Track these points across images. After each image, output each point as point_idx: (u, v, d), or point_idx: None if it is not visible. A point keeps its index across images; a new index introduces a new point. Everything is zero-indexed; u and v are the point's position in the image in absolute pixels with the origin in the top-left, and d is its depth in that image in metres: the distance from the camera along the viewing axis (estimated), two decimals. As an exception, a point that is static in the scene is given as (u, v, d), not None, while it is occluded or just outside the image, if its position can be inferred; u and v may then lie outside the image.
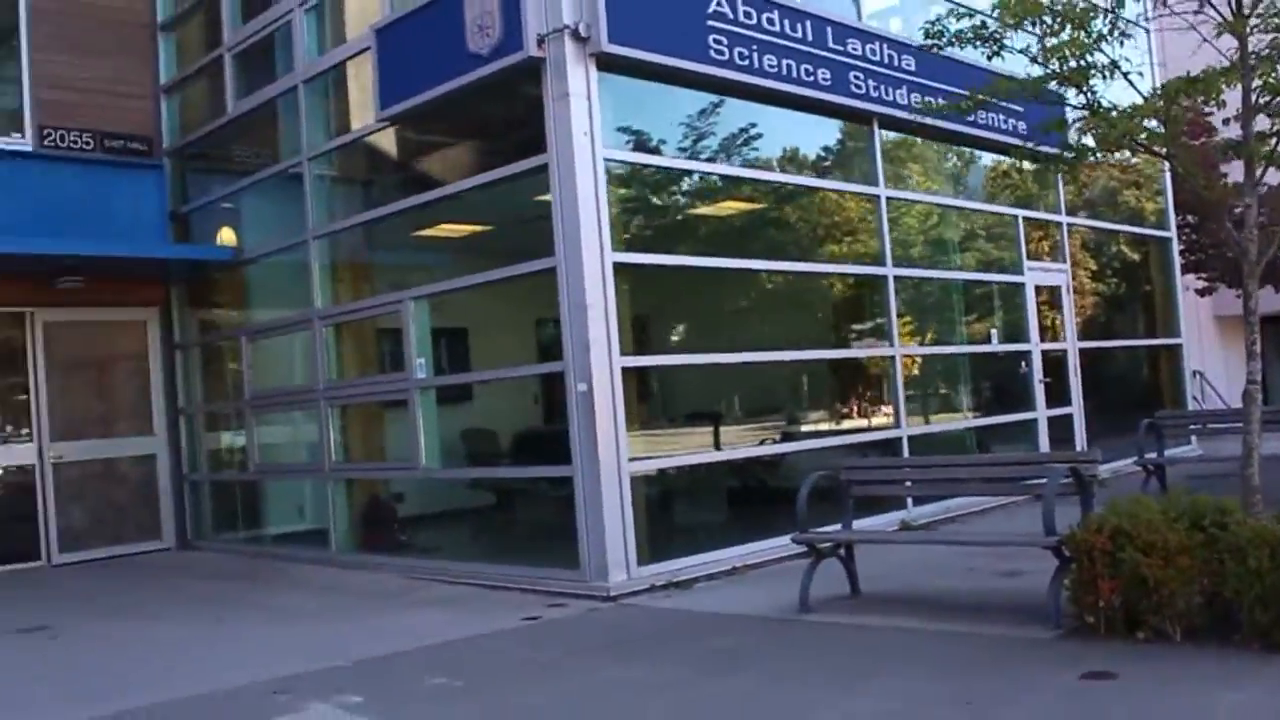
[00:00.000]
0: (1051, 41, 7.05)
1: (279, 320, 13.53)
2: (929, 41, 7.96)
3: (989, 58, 7.65)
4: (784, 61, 10.79)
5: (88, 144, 13.89)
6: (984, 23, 7.55)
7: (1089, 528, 6.33)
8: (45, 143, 13.60)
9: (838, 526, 8.34)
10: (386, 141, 11.73)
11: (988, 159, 14.22)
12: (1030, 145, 8.75)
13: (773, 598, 8.30)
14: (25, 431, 13.57)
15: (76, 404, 14.05)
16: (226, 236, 14.29)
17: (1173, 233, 17.84)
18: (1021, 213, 14.30)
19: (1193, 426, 14.68)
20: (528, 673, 6.87)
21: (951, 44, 7.68)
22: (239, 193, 14.04)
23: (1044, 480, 7.14)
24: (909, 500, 11.26)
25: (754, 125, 11.41)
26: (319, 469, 12.32)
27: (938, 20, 7.79)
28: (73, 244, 12.70)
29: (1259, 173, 6.77)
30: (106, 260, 13.13)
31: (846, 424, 12.49)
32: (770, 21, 10.69)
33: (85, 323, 14.14)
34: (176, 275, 14.66)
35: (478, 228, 12.26)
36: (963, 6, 12.35)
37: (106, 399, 14.54)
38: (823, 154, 12.31)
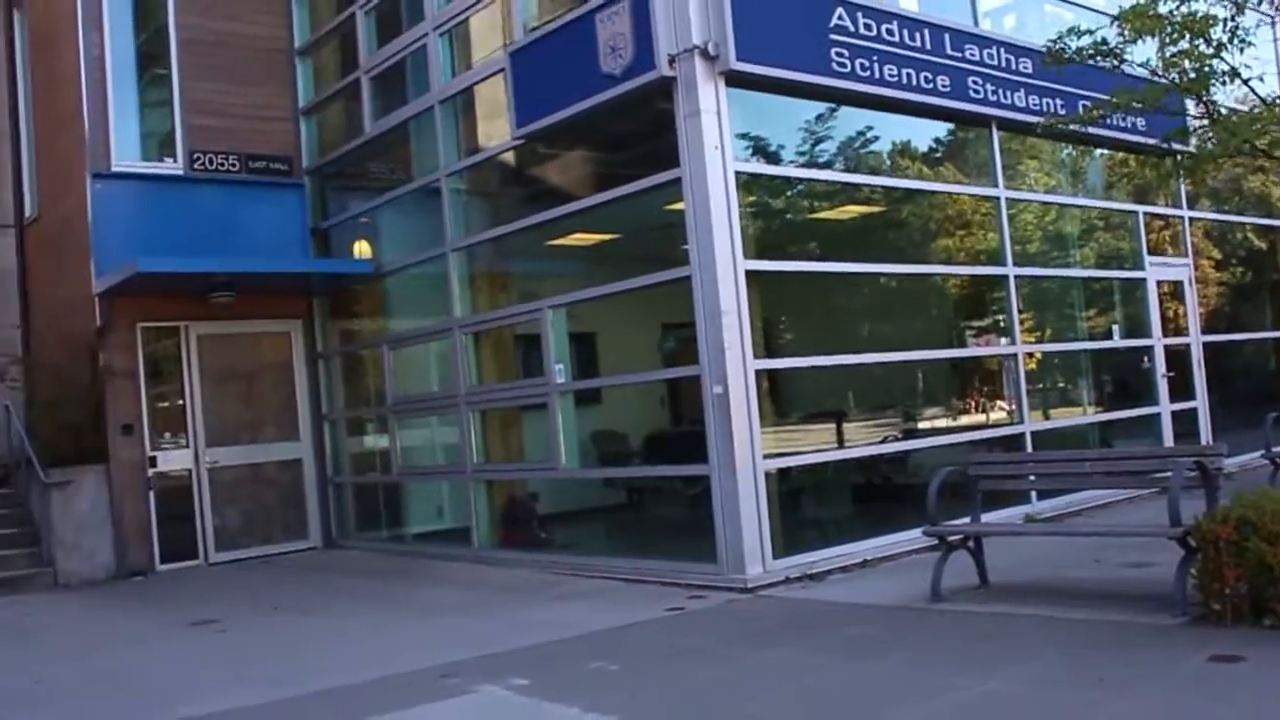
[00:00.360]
0: (1171, 50, 7.30)
1: (419, 329, 14.18)
2: (1052, 62, 8.22)
3: (1110, 70, 7.93)
4: (903, 70, 11.10)
5: (234, 166, 14.71)
6: (1104, 39, 7.82)
7: (1215, 518, 6.61)
8: (195, 166, 14.47)
9: (966, 520, 8.67)
10: (520, 157, 12.28)
11: (1105, 150, 14.30)
12: (1153, 144, 8.94)
13: (904, 588, 8.66)
14: (182, 438, 14.41)
15: (228, 411, 14.86)
16: (363, 250, 15.00)
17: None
18: (1142, 208, 14.41)
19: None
20: (681, 657, 7.32)
21: (1073, 61, 7.96)
22: (376, 208, 14.76)
23: (1169, 474, 7.40)
24: (1033, 495, 11.50)
25: (874, 130, 11.78)
26: (461, 470, 12.92)
27: (1059, 39, 8.07)
28: (231, 262, 13.49)
29: None
30: (255, 276, 13.92)
31: (968, 420, 12.74)
32: (890, 32, 11.02)
33: (235, 335, 14.94)
34: (318, 288, 15.42)
35: (607, 236, 12.74)
36: (1081, 5, 12.69)
37: (255, 407, 15.31)
38: (941, 156, 12.58)
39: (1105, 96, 9.61)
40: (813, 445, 11.26)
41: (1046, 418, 13.16)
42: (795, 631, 7.71)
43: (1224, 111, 7.16)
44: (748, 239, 9.97)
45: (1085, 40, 8.11)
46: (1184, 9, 7.28)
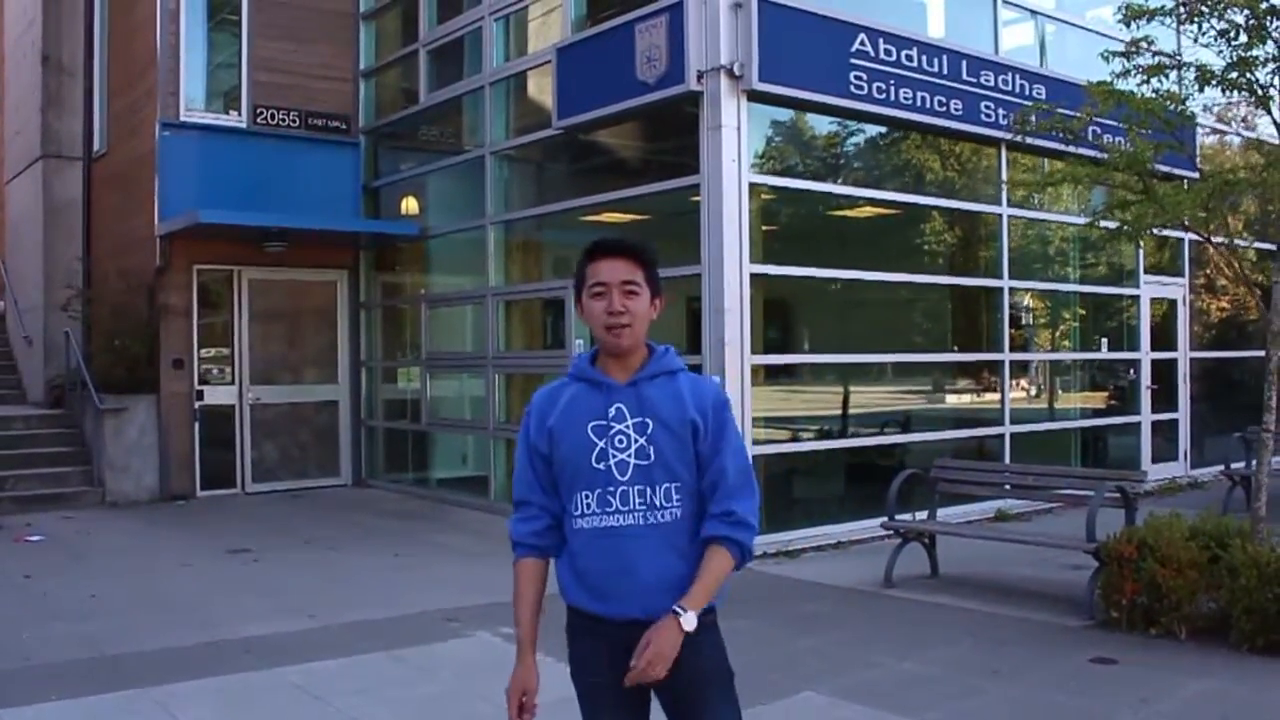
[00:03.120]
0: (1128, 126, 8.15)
1: (456, 292, 15.22)
2: (1018, 131, 9.13)
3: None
4: (919, 94, 11.91)
5: (294, 122, 15.72)
6: (1062, 116, 8.71)
7: (1121, 538, 7.62)
8: (257, 120, 15.46)
9: (925, 514, 9.68)
10: (559, 144, 13.15)
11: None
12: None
13: (865, 572, 9.69)
14: (229, 375, 15.52)
15: (273, 352, 15.97)
16: (411, 208, 15.97)
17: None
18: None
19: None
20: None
21: (1034, 132, 8.85)
22: (425, 174, 15.76)
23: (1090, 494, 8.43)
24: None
25: (887, 148, 12.64)
26: (484, 426, 13.98)
27: (1024, 112, 8.97)
28: (286, 218, 14.58)
29: None
30: (307, 230, 14.93)
31: (956, 419, 13.66)
32: (909, 58, 11.83)
33: (284, 281, 16.02)
34: (366, 244, 16.46)
35: (640, 217, 13.59)
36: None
37: (298, 349, 16.40)
38: (950, 175, 13.39)
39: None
40: (805, 430, 12.19)
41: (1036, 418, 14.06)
42: (757, 604, 8.67)
43: (1160, 190, 7.95)
44: (756, 244, 10.91)
45: (1046, 115, 8.96)
46: (1149, 86, 8.07)
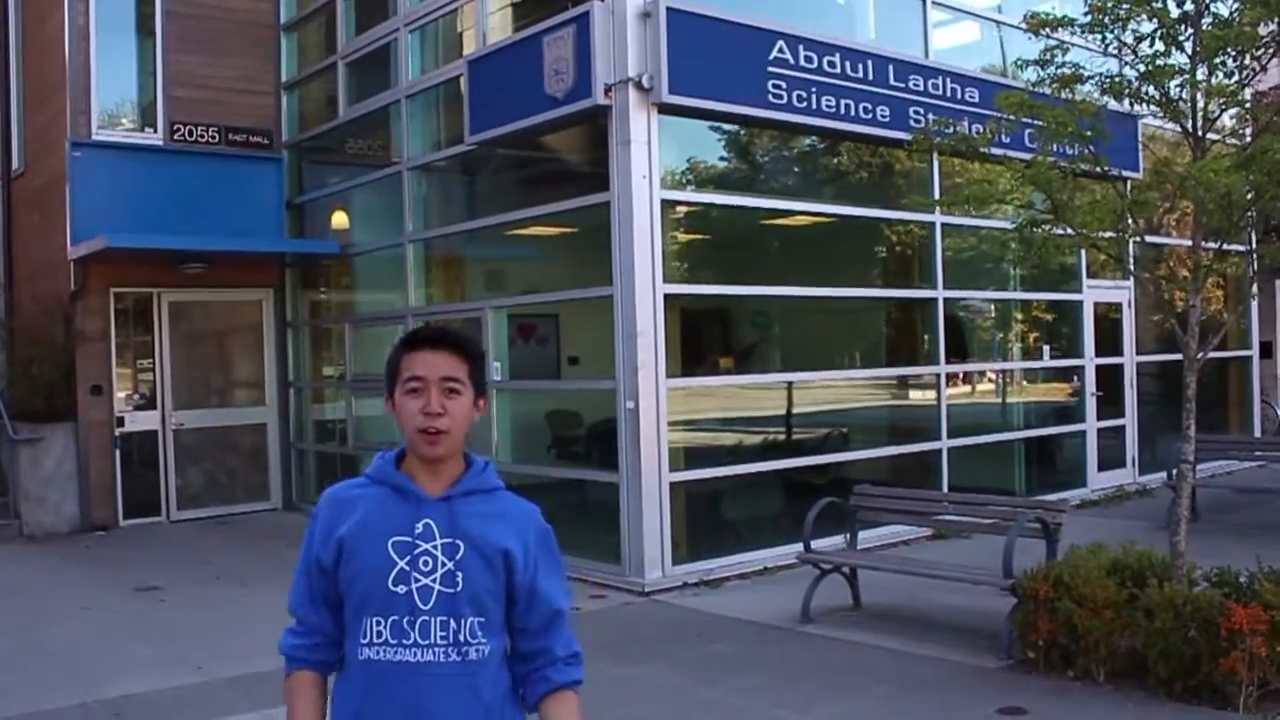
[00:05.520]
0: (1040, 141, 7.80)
1: (377, 311, 14.78)
2: (916, 150, 8.76)
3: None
4: (843, 101, 11.55)
5: (213, 138, 15.25)
6: (964, 135, 8.38)
7: (1036, 575, 7.24)
8: (175, 137, 14.99)
9: (842, 541, 9.33)
10: (476, 159, 12.72)
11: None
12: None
13: (786, 602, 9.26)
14: (151, 400, 15.05)
15: (197, 375, 15.48)
16: (341, 222, 15.52)
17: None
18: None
19: (1230, 449, 15.12)
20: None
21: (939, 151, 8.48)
22: (348, 189, 15.29)
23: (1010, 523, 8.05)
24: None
25: (811, 158, 12.26)
26: (407, 450, 13.49)
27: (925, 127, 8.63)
28: (200, 240, 14.14)
29: (1202, 278, 7.51)
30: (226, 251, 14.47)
31: (891, 434, 13.31)
32: (831, 64, 11.45)
33: (207, 302, 15.54)
34: (291, 261, 15.99)
35: (567, 230, 13.13)
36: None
37: (224, 371, 15.96)
38: (880, 183, 13.02)
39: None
40: (729, 453, 11.79)
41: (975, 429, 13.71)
42: (663, 645, 8.33)
43: (1068, 209, 7.59)
44: (670, 263, 10.51)
45: (949, 131, 8.61)
46: (1066, 92, 7.70)
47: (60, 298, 14.67)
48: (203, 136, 15.16)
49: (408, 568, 2.79)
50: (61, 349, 14.53)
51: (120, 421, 14.65)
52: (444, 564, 2.79)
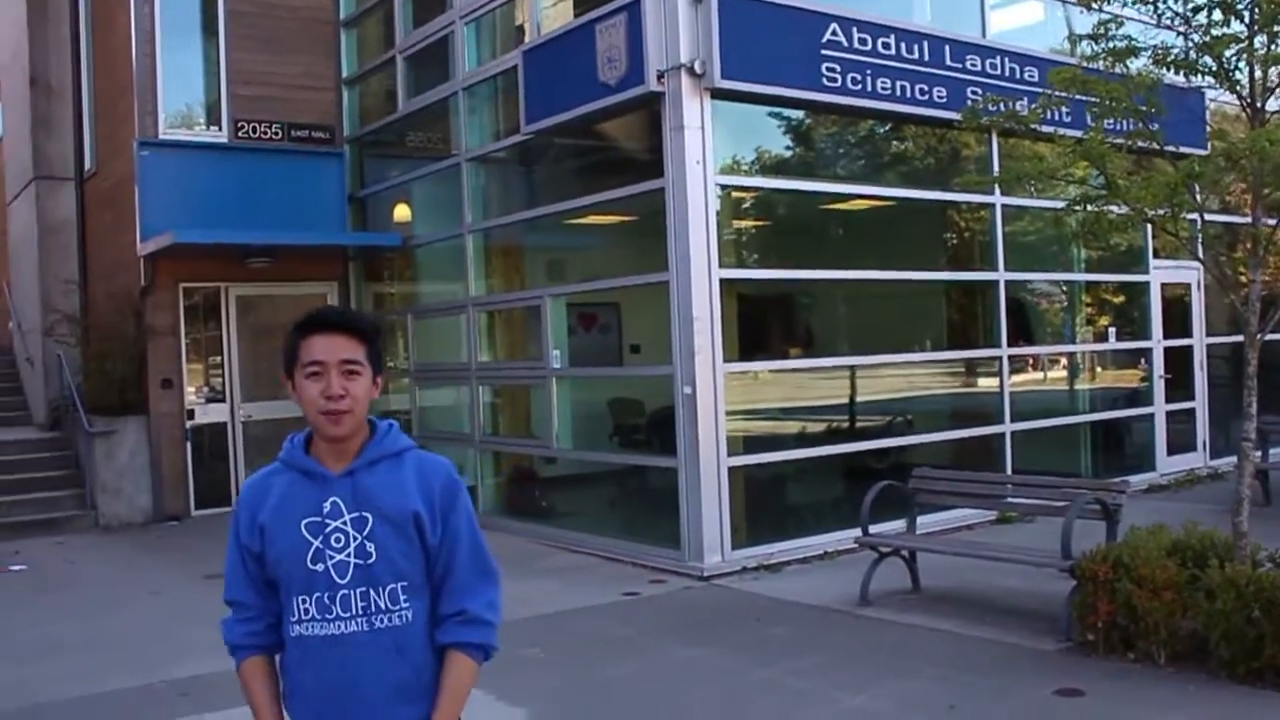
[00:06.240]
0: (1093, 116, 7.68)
1: (439, 302, 14.89)
2: (967, 125, 8.61)
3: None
4: (898, 83, 11.46)
5: (276, 134, 15.45)
6: (1015, 110, 8.26)
7: (1095, 556, 7.13)
8: (239, 134, 15.20)
9: (903, 525, 9.27)
10: (533, 148, 12.82)
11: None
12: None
13: (845, 586, 9.22)
14: (219, 393, 15.32)
15: (263, 369, 15.67)
16: (403, 214, 15.65)
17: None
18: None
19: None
20: (606, 648, 8.00)
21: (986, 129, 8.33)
22: (409, 182, 15.42)
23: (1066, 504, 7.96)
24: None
25: (868, 141, 12.17)
26: (469, 439, 13.65)
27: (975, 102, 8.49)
28: (264, 234, 14.36)
29: (1262, 251, 7.34)
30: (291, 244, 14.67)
31: (953, 418, 13.19)
32: (886, 46, 11.37)
33: (273, 296, 15.74)
34: (355, 254, 16.17)
35: (627, 218, 13.17)
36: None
37: (290, 363, 16.07)
38: (939, 166, 12.90)
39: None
40: (789, 436, 11.76)
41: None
42: (723, 628, 8.33)
43: (1122, 184, 7.46)
44: (726, 249, 10.50)
45: (997, 109, 8.50)
46: (1121, 66, 7.58)
47: (131, 294, 14.98)
48: (266, 133, 15.37)
49: (322, 546, 2.89)
50: (133, 344, 14.82)
51: (190, 414, 14.93)
52: (354, 538, 2.89)
